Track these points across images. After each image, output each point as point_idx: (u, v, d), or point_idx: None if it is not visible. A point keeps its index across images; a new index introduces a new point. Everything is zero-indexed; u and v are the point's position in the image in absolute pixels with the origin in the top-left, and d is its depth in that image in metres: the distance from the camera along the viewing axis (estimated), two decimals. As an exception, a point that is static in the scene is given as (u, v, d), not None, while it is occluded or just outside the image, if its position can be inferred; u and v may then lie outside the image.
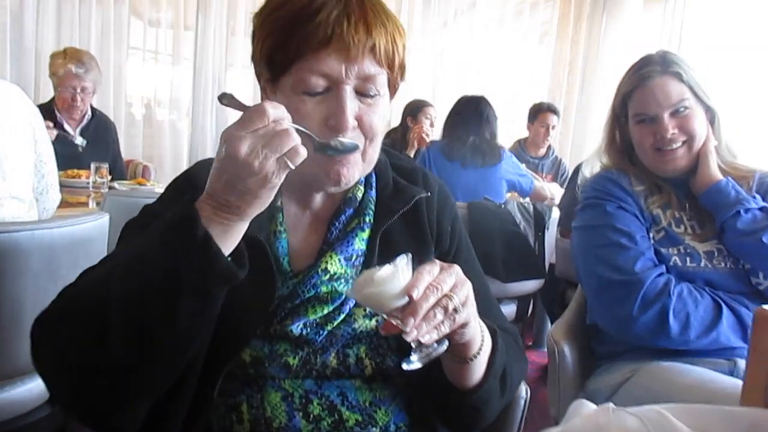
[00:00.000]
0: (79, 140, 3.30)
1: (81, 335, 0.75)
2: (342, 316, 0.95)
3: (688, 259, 1.56)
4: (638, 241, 1.56)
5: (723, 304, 1.49)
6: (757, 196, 1.58)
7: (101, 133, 3.52)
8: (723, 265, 1.55)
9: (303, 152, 0.74)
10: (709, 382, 1.37)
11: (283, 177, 0.74)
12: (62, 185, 2.95)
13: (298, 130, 0.76)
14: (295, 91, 0.87)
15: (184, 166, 4.93)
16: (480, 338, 0.89)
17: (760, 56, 4.26)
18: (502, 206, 2.81)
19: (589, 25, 5.75)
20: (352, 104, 0.87)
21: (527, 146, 4.59)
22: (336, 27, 0.84)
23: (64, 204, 2.53)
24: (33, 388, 1.70)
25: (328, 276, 0.95)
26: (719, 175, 1.59)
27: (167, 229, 0.75)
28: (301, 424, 0.91)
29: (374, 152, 0.95)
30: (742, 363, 1.48)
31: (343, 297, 0.96)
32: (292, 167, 0.73)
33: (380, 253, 0.98)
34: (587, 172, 1.83)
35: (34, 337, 0.79)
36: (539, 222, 2.96)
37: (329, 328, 0.94)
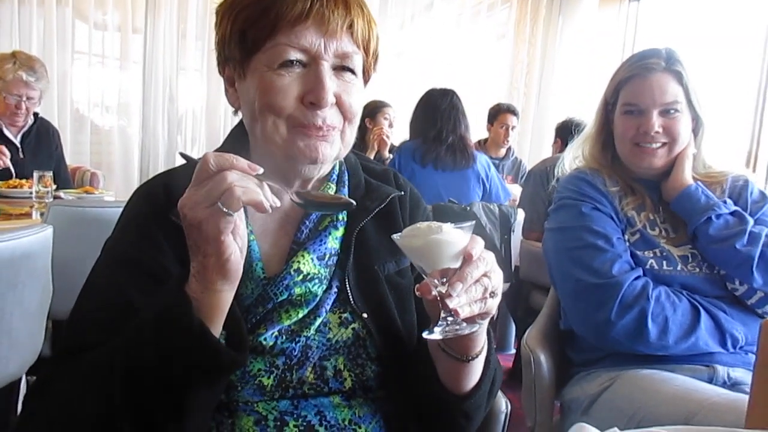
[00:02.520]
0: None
1: None
2: (317, 322, 0.90)
3: (664, 262, 1.52)
4: (615, 244, 1.52)
5: (701, 308, 1.47)
6: (729, 201, 1.56)
7: (43, 139, 3.34)
8: (698, 270, 1.53)
9: (238, 193, 0.67)
10: (693, 392, 1.33)
11: (228, 227, 0.68)
12: (2, 196, 2.80)
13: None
14: (270, 67, 0.85)
15: (135, 172, 4.83)
16: (484, 339, 0.88)
17: (714, 55, 4.33)
18: (467, 208, 2.76)
19: (545, 27, 5.78)
20: (330, 81, 0.85)
21: (488, 147, 4.58)
22: (314, 1, 0.83)
23: (4, 216, 2.39)
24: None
25: (301, 276, 0.91)
26: (689, 180, 1.57)
27: (163, 328, 0.70)
28: None
29: (352, 135, 0.93)
30: (721, 370, 1.46)
31: (318, 299, 0.91)
32: (226, 211, 0.67)
33: (355, 251, 0.95)
34: (568, 161, 1.79)
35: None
36: (505, 224, 2.92)
37: (305, 335, 0.89)
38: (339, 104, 0.88)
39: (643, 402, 1.38)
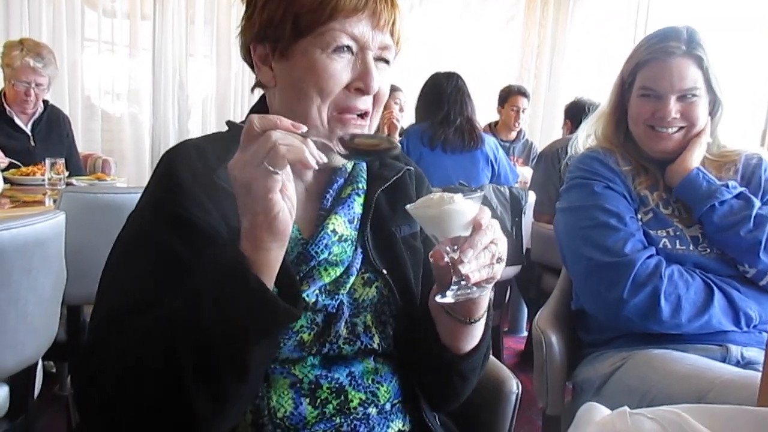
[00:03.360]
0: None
1: (160, 393, 0.75)
2: (350, 281, 0.96)
3: (677, 242, 1.51)
4: (627, 222, 1.50)
5: (714, 287, 1.45)
6: (732, 183, 1.52)
7: (54, 127, 3.35)
8: (709, 251, 1.51)
9: (283, 151, 0.70)
10: (705, 370, 1.32)
11: (274, 185, 0.71)
12: (16, 183, 2.83)
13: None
14: (324, 50, 0.90)
15: (147, 159, 4.85)
16: (484, 308, 0.94)
17: (727, 34, 4.27)
18: (478, 191, 2.74)
19: (555, 9, 5.73)
20: (375, 70, 0.92)
21: (498, 130, 4.55)
22: None
23: (19, 203, 2.41)
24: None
25: (337, 237, 0.97)
26: (692, 165, 1.54)
27: (221, 285, 0.74)
28: (307, 410, 0.90)
29: (377, 118, 1.00)
30: (734, 349, 1.45)
31: (350, 260, 0.98)
32: (273, 170, 0.70)
33: (373, 217, 1.02)
34: (581, 140, 1.77)
35: (94, 397, 0.79)
36: (516, 206, 2.90)
37: (342, 293, 0.95)
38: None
39: (656, 381, 1.37)
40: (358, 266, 0.98)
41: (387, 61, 0.97)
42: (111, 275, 0.88)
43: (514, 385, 1.19)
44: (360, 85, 0.91)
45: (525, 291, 3.57)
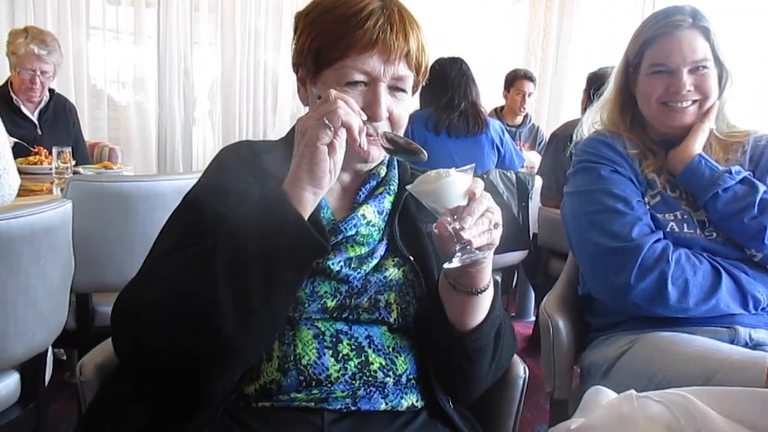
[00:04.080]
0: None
1: (194, 311, 0.83)
2: (374, 262, 1.07)
3: (685, 225, 1.50)
4: (634, 207, 1.49)
5: (722, 270, 1.45)
6: (736, 168, 1.51)
7: (60, 115, 3.36)
8: (715, 235, 1.51)
9: (341, 114, 0.85)
10: (713, 351, 1.32)
11: (324, 137, 0.85)
12: (23, 172, 2.82)
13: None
14: (338, 83, 1.01)
15: (153, 147, 4.86)
16: (488, 278, 1.00)
17: (737, 17, 4.22)
18: (485, 176, 2.74)
19: (562, -10, 5.67)
20: (385, 98, 1.02)
21: (504, 114, 4.53)
22: (381, 33, 0.99)
23: (26, 192, 2.42)
24: (1, 389, 1.62)
25: (365, 221, 1.08)
26: (694, 152, 1.53)
27: (263, 214, 0.87)
28: (330, 362, 0.97)
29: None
30: (742, 331, 1.44)
31: (376, 243, 1.10)
32: (329, 125, 0.85)
33: (402, 212, 1.14)
34: (586, 126, 1.76)
35: (132, 312, 0.88)
36: (522, 191, 2.89)
37: (364, 268, 1.04)
38: (390, 117, 1.05)
39: (663, 363, 1.37)
40: (381, 252, 1.09)
41: (403, 90, 1.06)
42: (161, 233, 1.01)
43: (521, 370, 1.21)
44: (369, 113, 0.99)
45: (532, 276, 3.57)
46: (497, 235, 0.91)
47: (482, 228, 0.88)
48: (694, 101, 1.54)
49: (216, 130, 5.16)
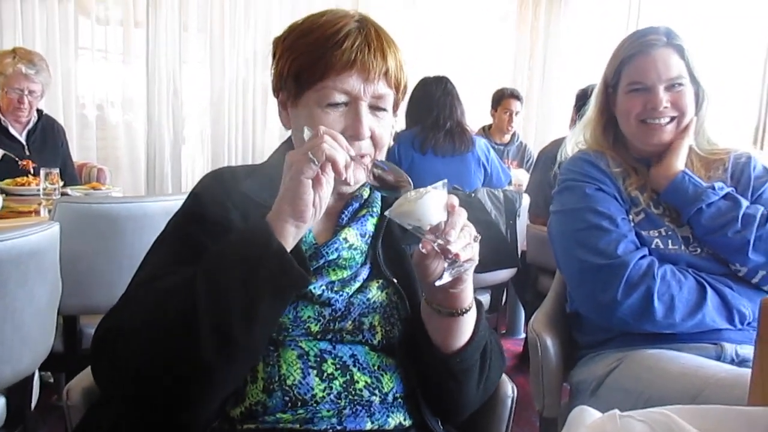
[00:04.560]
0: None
1: (173, 341, 0.83)
2: (357, 284, 1.07)
3: (669, 241, 1.52)
4: (619, 224, 1.51)
5: (707, 285, 1.46)
6: (719, 184, 1.53)
7: (48, 136, 3.35)
8: (700, 250, 1.53)
9: (325, 149, 0.85)
10: (699, 369, 1.33)
11: (308, 171, 0.85)
12: (11, 194, 2.83)
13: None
14: (319, 105, 1.02)
15: (143, 167, 4.85)
16: (471, 297, 1.01)
17: (720, 31, 4.29)
18: (472, 195, 2.75)
19: (548, 9, 5.73)
20: (367, 118, 1.03)
21: (492, 133, 4.56)
22: (359, 53, 1.00)
23: (14, 213, 2.41)
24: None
25: (347, 244, 1.08)
26: (677, 169, 1.55)
27: (246, 245, 0.87)
28: (315, 382, 0.98)
29: (380, 158, 1.09)
30: (728, 347, 1.46)
31: (359, 266, 1.10)
32: (314, 159, 0.85)
33: (385, 235, 1.14)
34: (570, 147, 1.78)
35: (111, 338, 0.88)
36: (510, 209, 2.91)
37: (346, 291, 1.05)
38: (372, 136, 1.04)
39: (650, 381, 1.38)
40: (365, 275, 1.10)
41: (384, 109, 1.06)
42: (145, 260, 1.02)
43: (509, 389, 1.21)
44: (351, 132, 1.01)
45: (521, 293, 3.57)
46: (477, 250, 0.92)
47: (466, 240, 0.89)
48: (672, 118, 1.57)
49: (205, 150, 5.16)
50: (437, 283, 0.91)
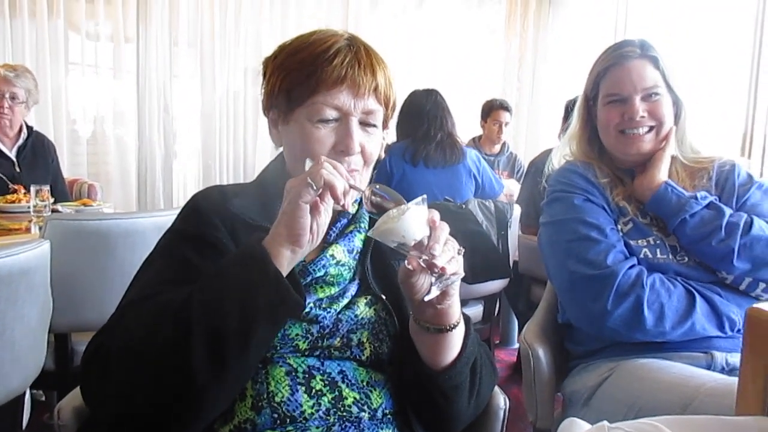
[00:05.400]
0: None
1: (166, 361, 0.83)
2: (345, 301, 1.07)
3: (658, 250, 1.53)
4: (608, 234, 1.52)
5: (696, 293, 1.47)
6: (702, 194, 1.55)
7: (39, 153, 3.34)
8: (687, 259, 1.54)
9: (324, 174, 0.86)
10: (690, 378, 1.34)
11: (306, 196, 0.86)
12: (1, 211, 2.81)
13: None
14: (311, 120, 1.04)
15: (134, 182, 4.84)
16: (458, 313, 1.01)
17: (705, 46, 4.33)
18: (463, 206, 2.76)
19: (536, 19, 5.78)
20: (357, 133, 1.05)
21: (482, 144, 4.58)
22: (349, 69, 1.02)
23: (5, 231, 2.40)
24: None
25: (335, 261, 1.08)
26: (660, 179, 1.57)
27: (243, 270, 0.86)
28: (303, 398, 0.98)
29: (368, 174, 1.13)
30: (719, 356, 1.47)
31: (347, 282, 1.11)
32: (312, 184, 0.86)
33: (374, 251, 1.15)
34: (556, 160, 1.80)
35: (101, 358, 0.87)
36: (501, 220, 2.92)
37: (334, 308, 1.05)
38: (362, 151, 1.06)
39: (642, 391, 1.39)
40: (353, 291, 1.10)
41: (374, 125, 1.08)
42: (135, 279, 1.01)
43: (501, 401, 1.20)
44: (342, 147, 1.03)
45: (514, 303, 3.58)
46: (462, 261, 0.92)
47: (451, 254, 0.90)
48: (651, 128, 1.60)
49: (197, 165, 5.15)
50: (426, 298, 0.92)
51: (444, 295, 0.94)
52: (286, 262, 0.88)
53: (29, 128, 3.32)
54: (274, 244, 0.87)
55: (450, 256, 0.89)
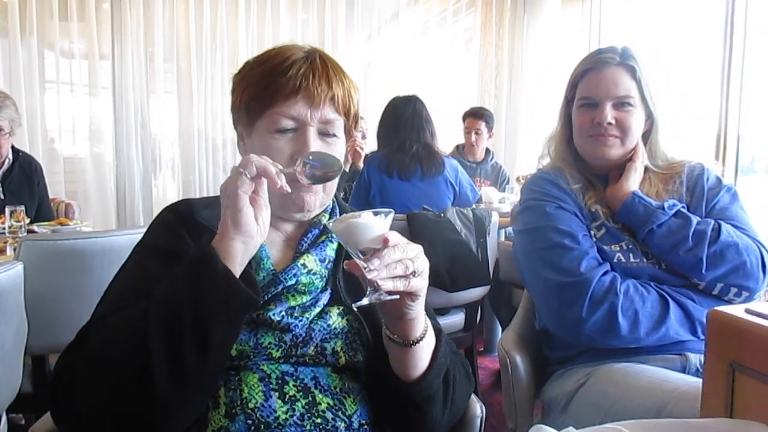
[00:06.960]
0: None
1: (127, 372, 0.84)
2: (317, 310, 1.08)
3: (631, 255, 1.55)
4: (581, 241, 1.54)
5: (669, 299, 1.49)
6: (670, 202, 1.57)
7: (26, 176, 3.31)
8: (658, 266, 1.55)
9: (254, 160, 0.90)
10: (664, 382, 1.35)
11: (242, 185, 0.89)
12: (-24, 233, 2.78)
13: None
14: (269, 131, 1.07)
15: (112, 200, 4.82)
16: (424, 326, 1.01)
17: (677, 50, 4.40)
18: (441, 215, 2.77)
19: (511, 29, 5.83)
20: (315, 142, 1.07)
21: (465, 152, 4.59)
22: (303, 80, 1.05)
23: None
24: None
25: (306, 270, 1.10)
26: (628, 190, 1.59)
27: (193, 271, 0.88)
28: (277, 404, 0.98)
29: (333, 185, 1.15)
30: (693, 357, 1.48)
31: (319, 291, 1.11)
32: (244, 172, 0.89)
33: (345, 259, 1.12)
34: (538, 161, 1.82)
35: (66, 378, 0.89)
36: (480, 227, 2.93)
37: (306, 316, 1.06)
38: None
39: (618, 396, 1.40)
40: (325, 300, 1.11)
41: (333, 134, 1.10)
42: (102, 296, 1.02)
43: (478, 409, 1.20)
44: (298, 156, 1.03)
45: (497, 310, 3.59)
46: (417, 283, 0.91)
47: (394, 273, 0.89)
48: (616, 137, 1.61)
49: (176, 180, 5.13)
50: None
51: (401, 313, 0.95)
52: (239, 255, 0.90)
53: (15, 152, 3.28)
54: (223, 240, 0.90)
55: (392, 275, 0.88)
